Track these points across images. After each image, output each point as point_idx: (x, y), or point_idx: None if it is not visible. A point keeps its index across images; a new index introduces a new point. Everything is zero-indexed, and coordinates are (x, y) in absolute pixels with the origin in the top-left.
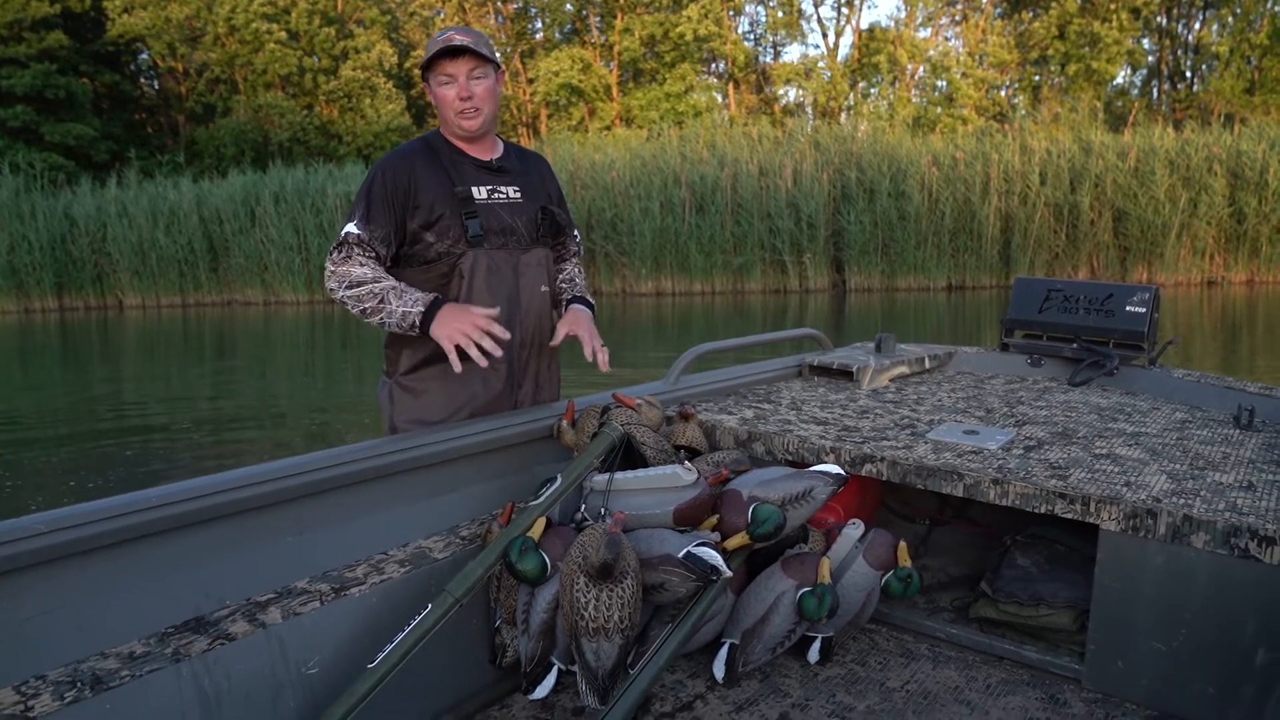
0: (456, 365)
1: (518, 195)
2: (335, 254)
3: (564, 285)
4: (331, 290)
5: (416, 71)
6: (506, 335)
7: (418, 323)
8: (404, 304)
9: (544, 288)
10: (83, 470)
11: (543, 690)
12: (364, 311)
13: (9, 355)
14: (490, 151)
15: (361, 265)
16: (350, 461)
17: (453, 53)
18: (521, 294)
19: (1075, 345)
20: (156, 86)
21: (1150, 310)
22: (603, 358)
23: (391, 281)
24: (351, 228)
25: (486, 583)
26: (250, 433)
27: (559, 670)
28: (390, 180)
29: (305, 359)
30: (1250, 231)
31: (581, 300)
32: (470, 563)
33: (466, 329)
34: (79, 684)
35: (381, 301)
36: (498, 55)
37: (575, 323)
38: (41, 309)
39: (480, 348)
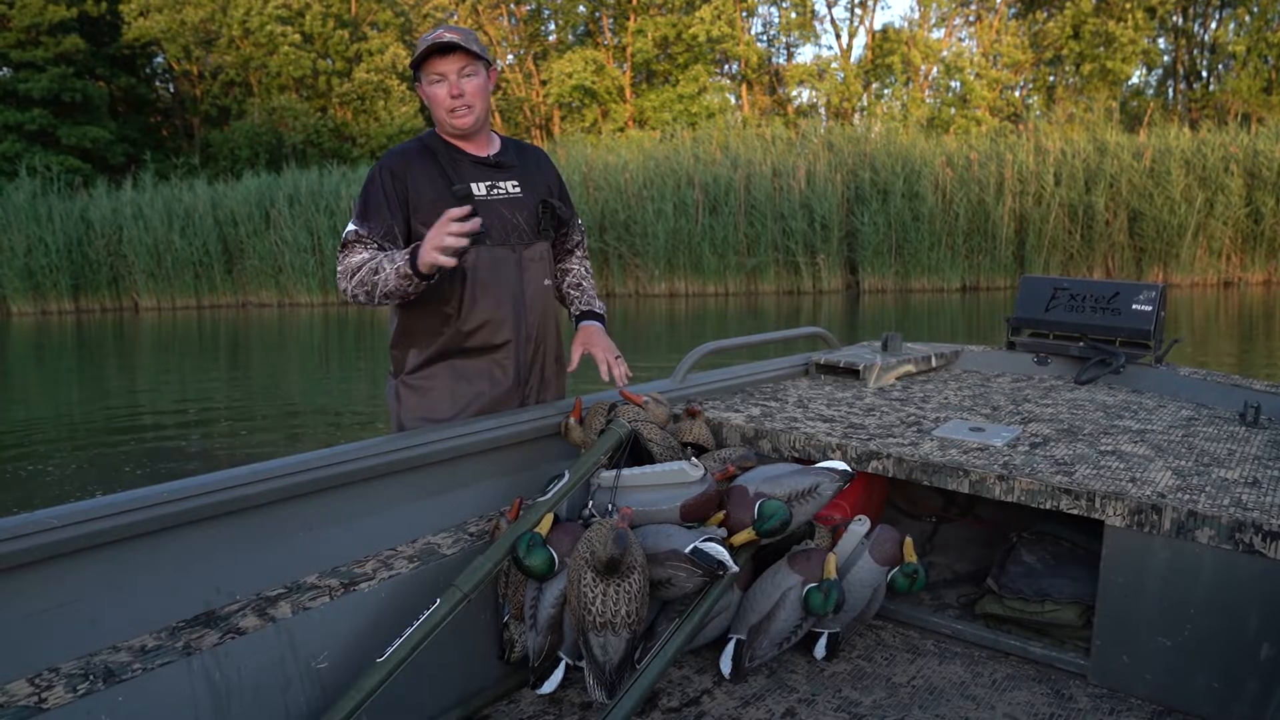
0: (449, 260)
1: (517, 190)
2: (340, 256)
3: (573, 293)
4: (343, 291)
5: None
6: (465, 216)
7: (408, 268)
8: (393, 261)
9: (546, 281)
10: (96, 466)
11: (550, 685)
12: (368, 291)
13: (27, 356)
14: (487, 148)
15: (359, 255)
16: (359, 458)
17: (442, 50)
18: (525, 289)
19: (1081, 344)
20: (172, 89)
21: (1157, 308)
22: (618, 372)
23: (381, 255)
24: (351, 226)
25: (494, 578)
26: (263, 431)
27: (566, 665)
28: (387, 180)
29: (319, 359)
30: (1268, 232)
31: (590, 314)
32: (478, 558)
33: (437, 238)
34: (91, 676)
35: (376, 271)
36: (488, 52)
37: (588, 341)
38: (58, 311)
39: (453, 240)
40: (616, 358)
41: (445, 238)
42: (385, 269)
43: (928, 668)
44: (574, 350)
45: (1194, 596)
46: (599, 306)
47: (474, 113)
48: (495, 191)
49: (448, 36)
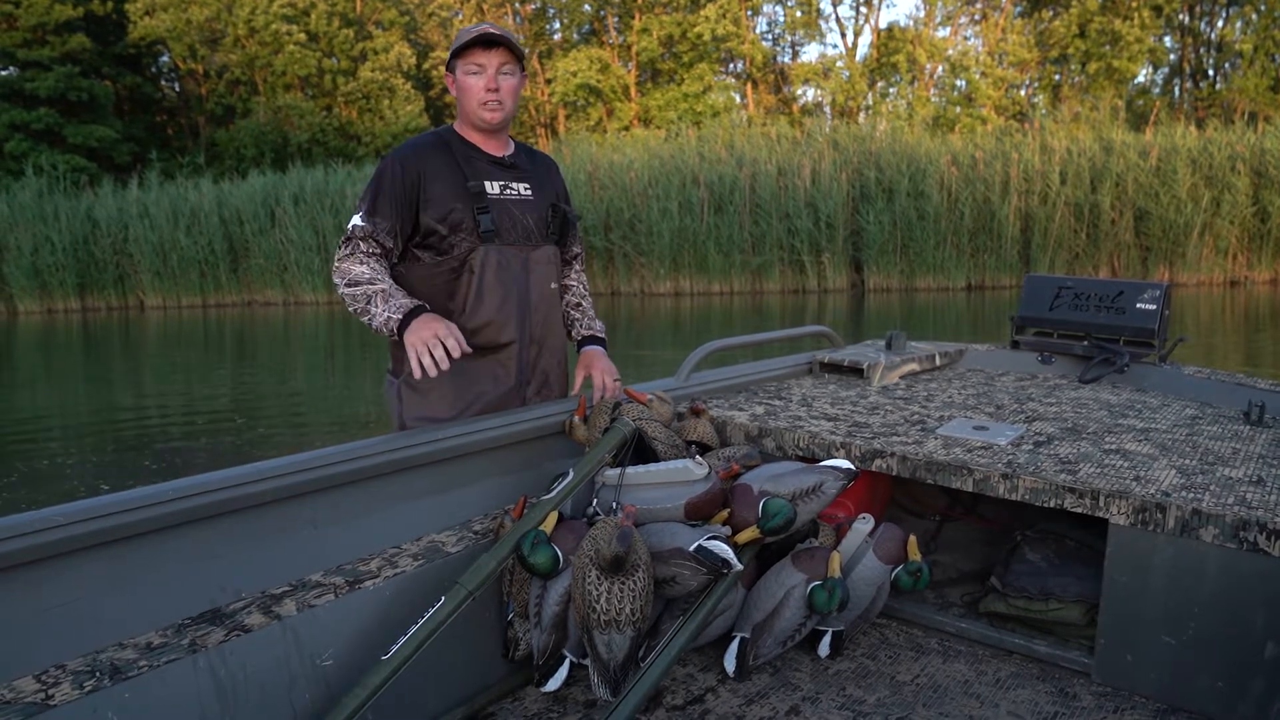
0: (416, 371)
1: (529, 192)
2: (342, 248)
3: (573, 314)
4: (336, 285)
5: (435, 72)
6: (457, 354)
7: (395, 330)
8: (388, 309)
9: (553, 284)
10: (103, 464)
11: (555, 683)
12: (355, 312)
13: (33, 354)
14: (503, 149)
15: (362, 263)
16: (364, 456)
17: (488, 43)
18: (531, 290)
19: (1086, 342)
20: (177, 88)
21: (1161, 307)
22: (611, 390)
23: (384, 284)
24: (357, 220)
25: (499, 576)
26: (268, 429)
27: (571, 663)
28: (400, 172)
29: (324, 358)
30: (1274, 230)
31: (593, 339)
32: (483, 556)
33: (425, 337)
34: (98, 673)
35: (369, 302)
36: (526, 59)
37: (590, 365)
38: (64, 309)
39: (429, 360)
40: (615, 380)
41: (428, 342)
42: (376, 311)
43: (931, 666)
44: (577, 374)
45: (1198, 595)
46: (599, 329)
47: (504, 110)
48: (508, 191)
49: (494, 31)
